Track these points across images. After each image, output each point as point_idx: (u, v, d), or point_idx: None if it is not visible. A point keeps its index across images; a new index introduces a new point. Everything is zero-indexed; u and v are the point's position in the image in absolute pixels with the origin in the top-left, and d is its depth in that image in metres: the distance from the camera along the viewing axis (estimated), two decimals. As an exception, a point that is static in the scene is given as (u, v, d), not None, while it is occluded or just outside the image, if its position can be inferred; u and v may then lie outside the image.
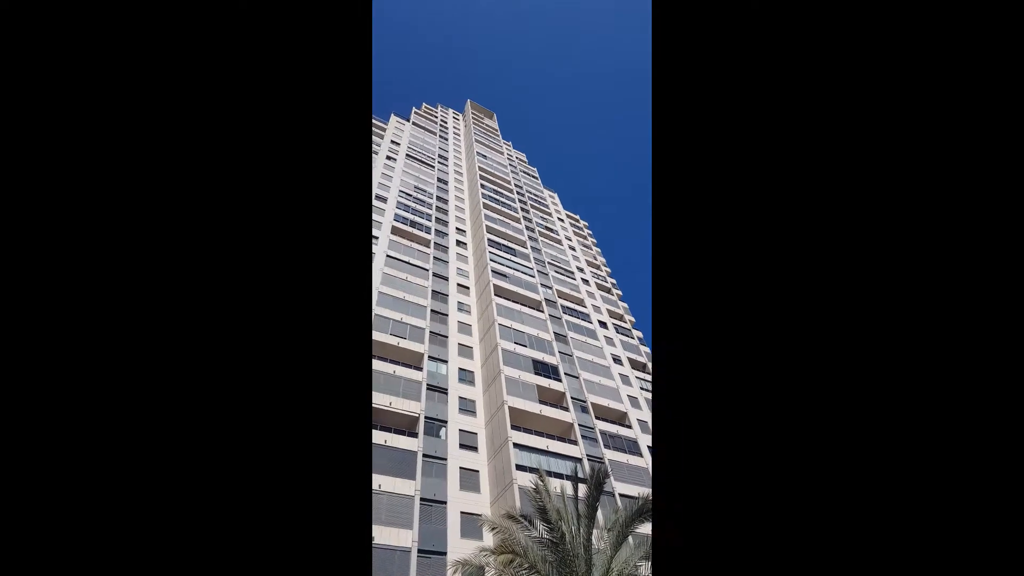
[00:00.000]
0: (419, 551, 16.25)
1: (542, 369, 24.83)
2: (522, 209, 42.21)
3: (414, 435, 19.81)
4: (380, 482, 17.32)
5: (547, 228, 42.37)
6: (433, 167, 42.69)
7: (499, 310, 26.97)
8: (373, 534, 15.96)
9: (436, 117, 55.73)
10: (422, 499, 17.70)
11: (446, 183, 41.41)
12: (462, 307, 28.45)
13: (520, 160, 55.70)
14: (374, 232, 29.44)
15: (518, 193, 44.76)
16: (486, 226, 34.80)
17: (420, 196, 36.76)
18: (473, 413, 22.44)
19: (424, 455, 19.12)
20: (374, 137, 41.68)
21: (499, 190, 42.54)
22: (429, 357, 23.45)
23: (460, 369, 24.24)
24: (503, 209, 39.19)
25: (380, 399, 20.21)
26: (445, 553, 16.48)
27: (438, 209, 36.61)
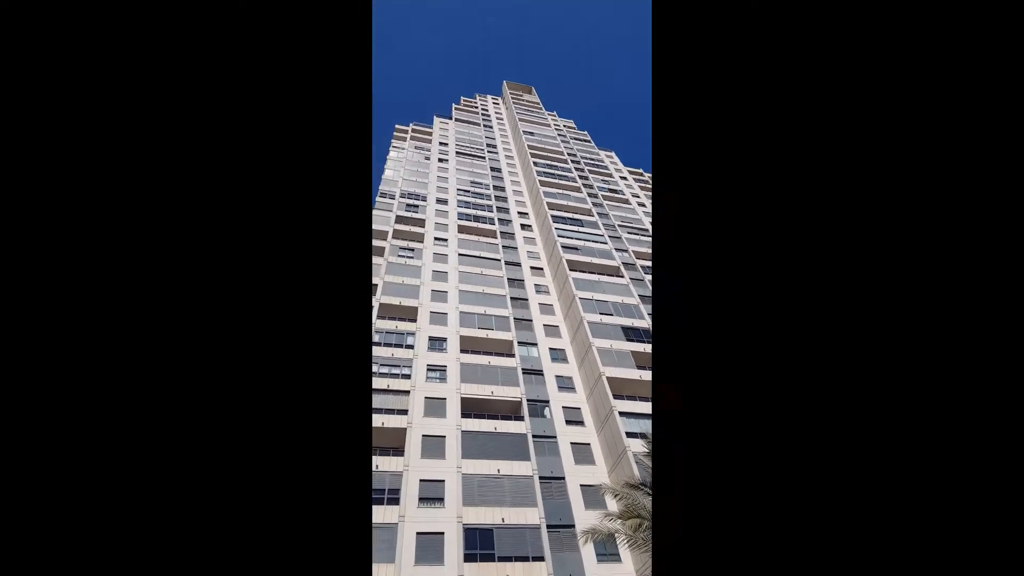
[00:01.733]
0: (548, 526, 16.97)
1: (633, 335, 24.34)
2: (580, 177, 41.17)
3: (520, 419, 20.57)
4: (499, 467, 18.28)
5: (610, 190, 40.96)
6: (484, 158, 43.03)
7: (577, 284, 26.78)
8: (502, 517, 16.96)
9: (476, 107, 55.87)
10: (540, 477, 18.40)
11: (499, 170, 41.58)
12: (540, 289, 28.66)
13: (568, 128, 54.14)
14: (442, 235, 30.55)
15: (573, 162, 43.67)
16: (547, 203, 34.50)
17: (478, 190, 37.32)
18: (572, 389, 22.71)
19: (533, 436, 19.80)
20: (422, 143, 42.92)
21: (552, 163, 41.83)
22: (518, 343, 24.04)
23: (551, 349, 24.57)
24: (561, 182, 38.53)
25: (482, 389, 21.18)
26: (573, 525, 17.06)
27: (497, 198, 36.95)
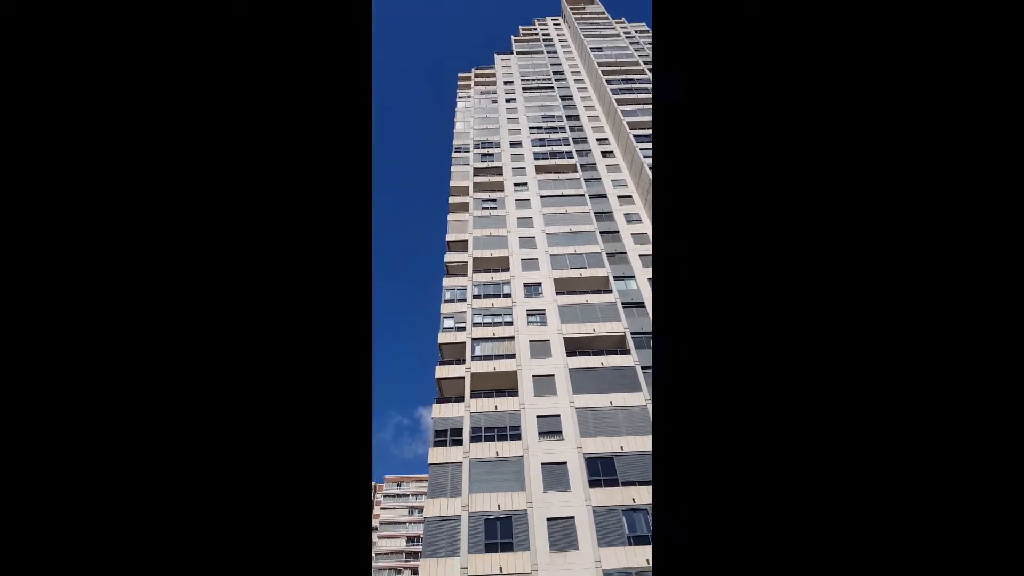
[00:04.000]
0: (667, 452, 17.22)
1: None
2: (660, 86, 37.15)
3: (627, 352, 20.57)
4: (611, 399, 18.73)
5: (696, 94, 36.52)
6: (552, 88, 40.72)
7: (670, 206, 25.04)
8: (620, 445, 17.56)
9: (536, 34, 52.32)
10: (654, 407, 18.49)
11: (570, 98, 39.17)
12: (631, 218, 27.36)
13: (641, 32, 48.53)
14: (521, 180, 30.14)
15: (650, 71, 39.44)
16: (626, 123, 31.99)
17: (550, 124, 35.75)
18: (677, 316, 21.92)
19: (642, 367, 19.76)
20: (487, 87, 41.68)
21: (628, 78, 38.22)
22: (614, 277, 23.57)
23: (650, 280, 23.73)
24: (639, 96, 35.25)
25: (583, 328, 21.42)
26: (693, 450, 17.09)
27: (572, 128, 35.13)
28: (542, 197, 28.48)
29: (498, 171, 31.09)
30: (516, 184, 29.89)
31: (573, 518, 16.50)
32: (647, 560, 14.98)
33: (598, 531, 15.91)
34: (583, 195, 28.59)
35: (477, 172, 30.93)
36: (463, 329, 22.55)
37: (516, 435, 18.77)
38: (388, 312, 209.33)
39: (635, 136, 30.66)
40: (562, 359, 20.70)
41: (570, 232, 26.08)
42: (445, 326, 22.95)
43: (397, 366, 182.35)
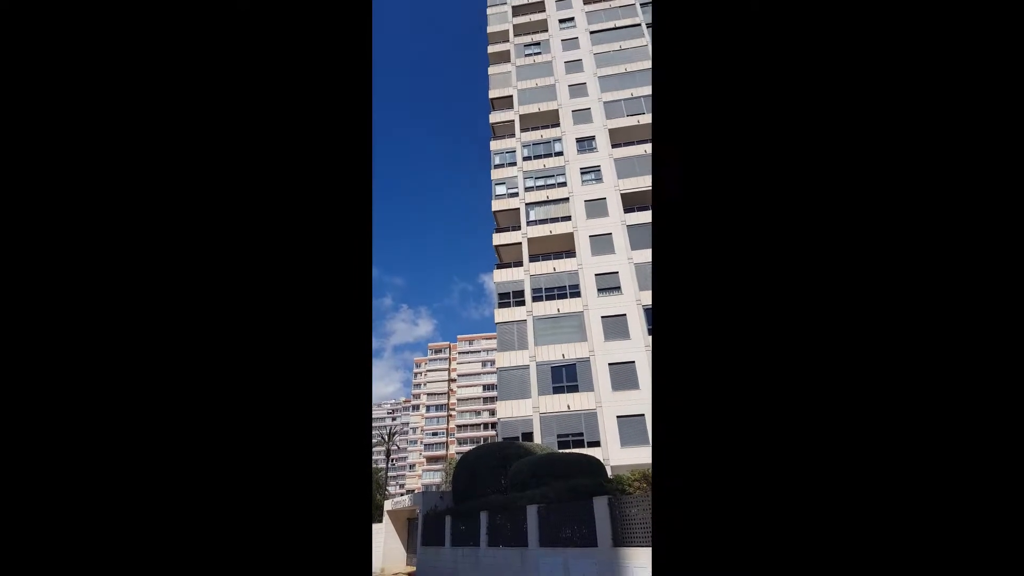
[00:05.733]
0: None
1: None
2: None
3: (687, 203, 19.57)
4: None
5: None
6: None
7: (746, 24, 21.05)
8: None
9: None
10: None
11: None
12: (696, 45, 23.50)
13: None
14: (567, 14, 26.15)
15: None
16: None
17: (598, -67, 29.50)
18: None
19: (704, 218, 18.93)
20: None
21: None
22: (676, 121, 21.36)
23: (716, 118, 21.27)
24: None
25: (641, 182, 20.34)
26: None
27: (625, -65, 28.80)
28: (591, 33, 24.89)
29: (540, 7, 27.07)
30: (561, 21, 26.10)
31: (634, 362, 17.82)
32: (703, 395, 16.25)
33: (657, 372, 17.21)
34: (639, 24, 24.58)
35: (516, 11, 27.16)
36: (516, 195, 22.26)
37: (576, 293, 19.55)
38: (441, 184, 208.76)
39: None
40: (619, 216, 20.22)
41: (626, 72, 23.18)
42: (497, 192, 22.73)
43: (453, 234, 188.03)
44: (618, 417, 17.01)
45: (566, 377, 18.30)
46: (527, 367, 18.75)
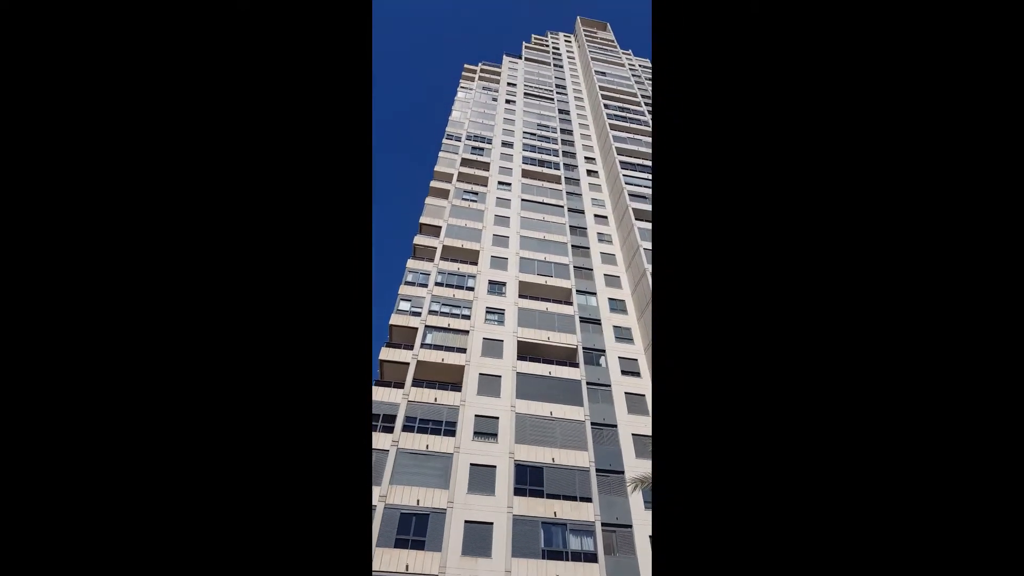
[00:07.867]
0: (597, 470, 17.20)
1: (700, 289, 23.08)
2: (654, 121, 38.26)
3: (575, 365, 20.54)
4: (551, 409, 18.56)
5: (686, 136, 37.83)
6: (552, 99, 41.08)
7: (643, 235, 25.51)
8: (552, 456, 17.37)
9: (547, 45, 52.88)
10: (592, 423, 18.49)
11: (568, 112, 39.62)
12: (603, 238, 27.70)
13: (644, 67, 49.97)
14: (506, 180, 29.99)
15: (647, 104, 40.53)
16: (615, 148, 32.57)
17: (545, 133, 35.96)
18: (630, 340, 22.21)
19: (588, 383, 19.78)
20: (490, 83, 41.57)
21: (625, 106, 39.10)
22: (577, 291, 23.67)
23: (610, 299, 23.98)
24: (632, 126, 36.06)
25: (539, 335, 21.27)
26: (622, 471, 17.16)
27: (564, 142, 35.44)
28: (523, 200, 28.41)
29: (485, 166, 30.84)
30: (500, 183, 29.70)
31: (492, 524, 16.08)
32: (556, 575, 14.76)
33: (514, 540, 15.56)
34: (562, 207, 28.75)
35: (464, 163, 30.57)
36: (418, 314, 21.91)
37: (451, 431, 18.24)
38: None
39: (621, 162, 31.23)
40: (512, 361, 20.44)
41: (543, 239, 26.08)
42: (400, 308, 22.23)
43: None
44: (462, 588, 14.54)
45: (414, 529, 15.78)
46: (374, 508, 16.01)
